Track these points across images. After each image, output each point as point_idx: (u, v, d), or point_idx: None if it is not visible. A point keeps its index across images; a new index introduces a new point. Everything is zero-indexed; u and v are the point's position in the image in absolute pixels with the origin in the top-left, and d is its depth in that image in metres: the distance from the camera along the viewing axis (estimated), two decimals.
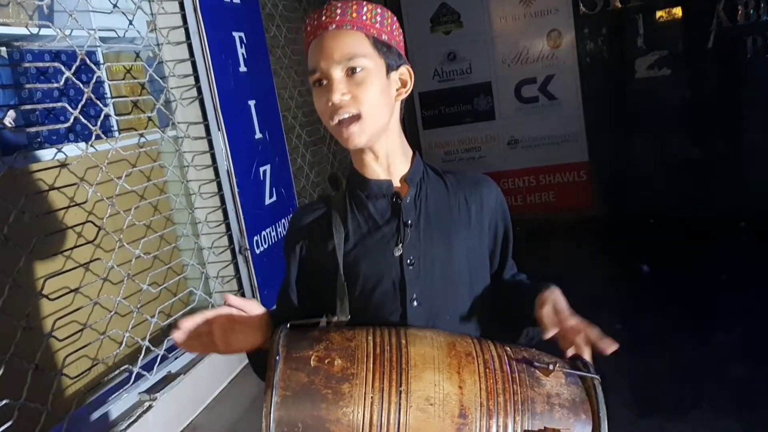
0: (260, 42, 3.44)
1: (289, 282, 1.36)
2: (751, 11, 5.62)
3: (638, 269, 4.86)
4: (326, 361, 1.02)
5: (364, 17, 1.23)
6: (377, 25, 1.24)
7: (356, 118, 1.20)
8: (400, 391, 1.00)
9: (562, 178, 6.19)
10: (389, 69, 1.25)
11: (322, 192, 4.16)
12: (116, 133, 2.69)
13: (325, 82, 1.20)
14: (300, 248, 1.34)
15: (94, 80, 2.33)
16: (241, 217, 3.00)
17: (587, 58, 6.00)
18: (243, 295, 3.04)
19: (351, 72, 1.19)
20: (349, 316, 1.19)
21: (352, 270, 1.25)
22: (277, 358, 1.02)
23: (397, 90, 1.28)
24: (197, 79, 2.87)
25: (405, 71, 1.30)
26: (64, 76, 2.20)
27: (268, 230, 3.23)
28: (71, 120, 2.23)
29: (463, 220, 1.30)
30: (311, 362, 1.02)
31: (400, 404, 1.00)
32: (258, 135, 3.24)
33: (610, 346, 1.10)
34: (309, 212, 1.37)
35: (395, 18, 1.31)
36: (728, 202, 5.48)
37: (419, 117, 6.36)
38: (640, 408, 3.14)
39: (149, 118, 2.78)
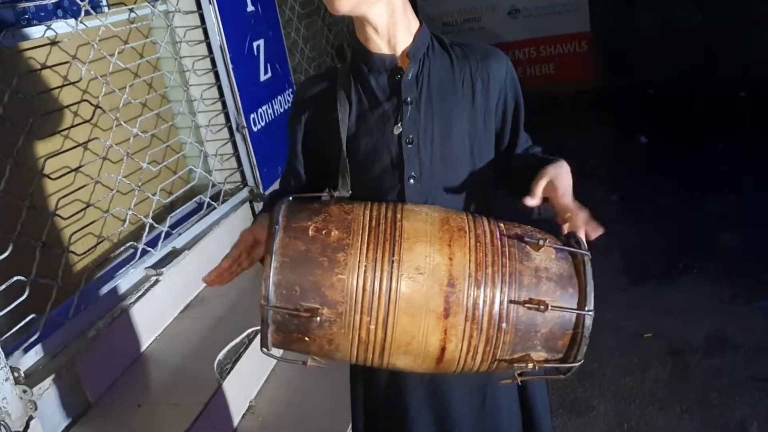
0: None
1: (295, 153, 1.36)
2: None
3: (636, 140, 4.86)
4: (323, 232, 1.07)
5: None
6: None
7: None
8: (392, 261, 1.05)
9: (563, 49, 6.06)
10: None
11: (318, 67, 4.09)
12: (105, 9, 2.61)
13: None
14: (305, 119, 1.33)
15: None
16: (237, 93, 2.97)
17: None
18: (242, 173, 3.05)
19: None
20: (351, 192, 1.20)
21: (352, 145, 1.25)
22: (277, 227, 1.07)
23: None
24: None
25: None
26: None
27: (264, 107, 3.21)
28: None
29: (466, 96, 1.27)
30: (309, 232, 1.07)
31: (391, 273, 1.04)
32: (250, 8, 3.15)
33: (595, 231, 1.12)
34: (315, 83, 1.33)
35: None
36: (729, 73, 5.40)
37: None
38: (634, 274, 3.24)
39: None
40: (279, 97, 3.37)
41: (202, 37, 2.86)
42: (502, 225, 1.15)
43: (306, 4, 4.02)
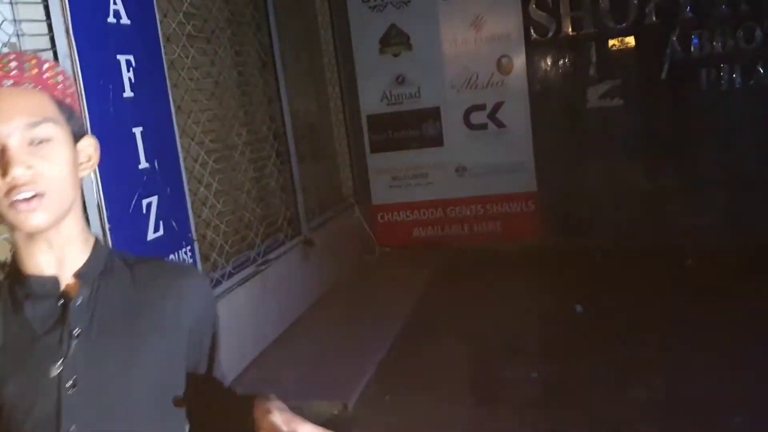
0: (155, 64, 3.23)
1: None
2: (705, 42, 5.48)
3: (572, 309, 4.66)
4: None
5: (46, 75, 1.01)
6: (60, 87, 1.03)
7: (39, 196, 0.97)
8: None
9: (510, 207, 6.00)
10: (75, 138, 1.05)
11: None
12: None
13: None
14: None
15: None
16: None
17: (538, 86, 5.83)
18: None
19: (35, 141, 0.97)
20: None
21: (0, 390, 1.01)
22: None
23: (81, 163, 1.07)
24: None
25: (89, 143, 1.09)
26: None
27: None
28: None
29: (152, 324, 1.06)
30: None
31: None
32: (143, 164, 3.03)
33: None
34: None
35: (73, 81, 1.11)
36: (677, 239, 5.33)
37: (366, 140, 6.18)
38: None
39: None
40: (171, 256, 3.20)
41: None
42: None
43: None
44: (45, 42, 2.64)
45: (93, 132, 2.65)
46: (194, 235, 3.41)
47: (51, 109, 1.00)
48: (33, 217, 0.97)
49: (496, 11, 5.76)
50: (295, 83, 5.03)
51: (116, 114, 2.90)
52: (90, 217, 2.72)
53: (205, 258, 3.57)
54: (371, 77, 6.04)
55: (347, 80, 6.09)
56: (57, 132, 1.00)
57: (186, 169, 3.47)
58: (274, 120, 4.61)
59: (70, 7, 2.68)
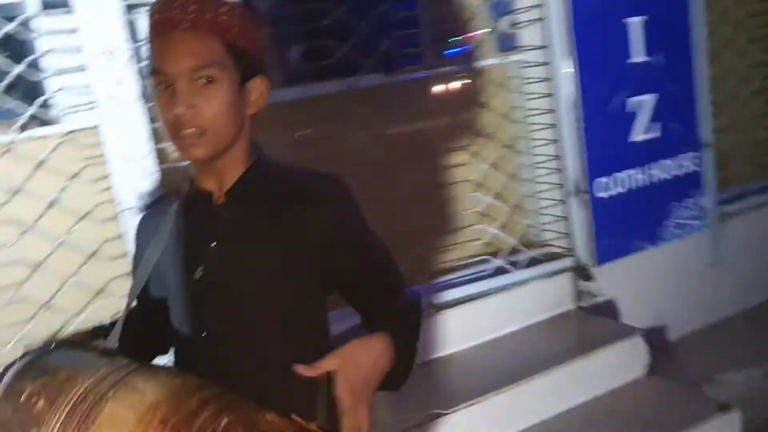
0: None
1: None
2: None
3: None
4: (32, 399, 1.01)
5: (222, 18, 1.08)
6: (235, 29, 1.09)
7: (200, 132, 1.09)
8: None
9: None
10: (244, 79, 1.11)
11: None
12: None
13: (169, 86, 1.09)
14: (134, 258, 1.28)
15: None
16: (584, 154, 2.69)
17: None
18: (572, 242, 2.76)
19: (201, 82, 1.08)
20: (118, 344, 1.13)
21: (157, 285, 1.20)
22: None
23: (251, 101, 1.14)
24: None
25: (260, 83, 1.14)
26: None
27: (629, 172, 2.79)
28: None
29: (283, 244, 1.12)
30: (21, 397, 1.02)
31: None
32: (635, 59, 2.75)
33: None
34: (147, 218, 1.28)
35: (257, 20, 1.13)
36: None
37: None
38: None
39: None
40: (667, 161, 2.86)
41: (549, 91, 2.69)
42: (226, 420, 0.93)
43: None
44: None
45: (576, 23, 2.59)
46: (706, 141, 2.96)
47: (219, 53, 1.08)
48: (192, 151, 1.11)
49: None
50: None
51: (605, 4, 2.69)
52: (560, 112, 2.69)
53: (723, 167, 3.07)
54: None
55: None
56: (221, 74, 1.08)
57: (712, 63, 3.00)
58: None
59: None
